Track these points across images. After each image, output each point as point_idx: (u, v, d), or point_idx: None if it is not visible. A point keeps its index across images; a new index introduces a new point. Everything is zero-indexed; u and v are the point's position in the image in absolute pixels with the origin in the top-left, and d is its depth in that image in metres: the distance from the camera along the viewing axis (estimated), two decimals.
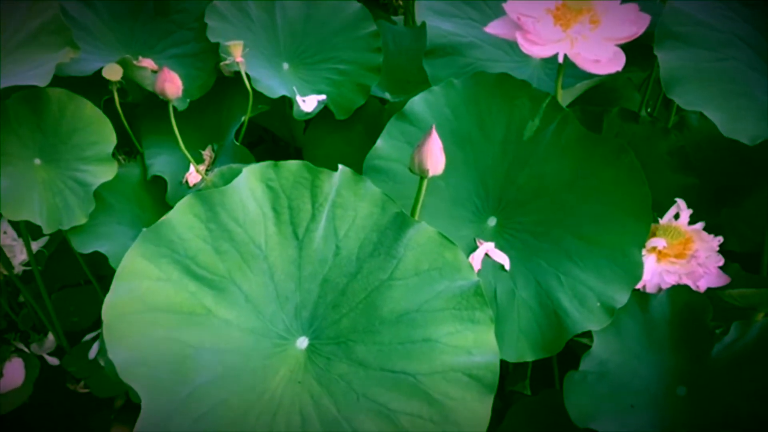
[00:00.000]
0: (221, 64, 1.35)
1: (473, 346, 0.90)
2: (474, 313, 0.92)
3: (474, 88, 1.16)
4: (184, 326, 0.91)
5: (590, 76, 1.12)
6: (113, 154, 1.24)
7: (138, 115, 1.46)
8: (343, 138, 1.49)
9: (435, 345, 0.90)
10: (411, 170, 0.98)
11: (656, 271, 1.08)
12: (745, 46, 1.14)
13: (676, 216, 1.13)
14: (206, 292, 0.94)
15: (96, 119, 1.24)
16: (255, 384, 0.89)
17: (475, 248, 1.09)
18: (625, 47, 1.06)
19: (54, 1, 1.23)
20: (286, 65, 1.47)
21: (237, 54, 1.29)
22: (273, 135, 1.75)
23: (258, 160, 1.05)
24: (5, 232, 1.39)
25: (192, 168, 1.34)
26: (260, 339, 0.93)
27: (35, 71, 1.16)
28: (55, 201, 1.19)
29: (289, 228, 0.99)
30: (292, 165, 1.01)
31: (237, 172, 1.00)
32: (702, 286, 1.07)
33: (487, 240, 1.10)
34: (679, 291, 1.05)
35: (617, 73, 1.06)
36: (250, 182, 1.00)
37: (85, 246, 1.23)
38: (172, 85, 1.11)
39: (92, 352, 1.31)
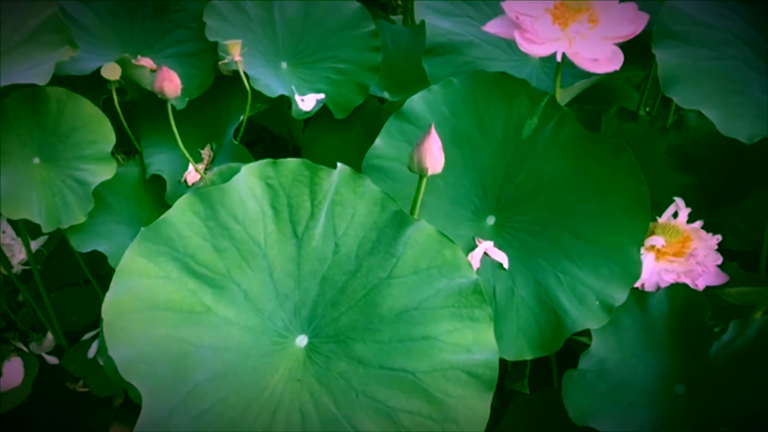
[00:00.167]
0: (220, 63, 1.35)
1: (472, 343, 0.90)
2: (473, 311, 0.92)
3: (473, 87, 1.16)
4: (183, 324, 0.91)
5: (589, 75, 1.12)
6: (112, 153, 1.24)
7: (137, 114, 1.46)
8: (341, 137, 1.49)
9: (434, 343, 0.90)
10: (410, 169, 0.98)
11: (655, 269, 1.08)
12: (743, 44, 1.14)
13: (675, 215, 1.13)
14: (206, 289, 0.94)
15: (95, 118, 1.24)
16: (254, 382, 0.89)
17: (474, 247, 1.09)
18: (624, 46, 1.06)
19: (53, 1, 1.23)
20: (284, 64, 1.47)
21: (236, 53, 1.29)
22: (272, 134, 1.75)
23: (257, 159, 1.05)
24: (4, 231, 1.39)
25: (191, 167, 1.34)
26: (259, 337, 0.93)
27: (34, 70, 1.16)
28: (54, 200, 1.19)
29: (288, 226, 0.99)
30: (292, 163, 1.01)
31: (236, 171, 1.00)
32: (700, 284, 1.07)
33: (485, 239, 1.10)
34: (678, 289, 1.05)
35: (615, 72, 1.07)
36: (250, 180, 0.99)
37: (84, 245, 1.23)
38: (170, 84, 1.11)
39: (91, 351, 1.31)
